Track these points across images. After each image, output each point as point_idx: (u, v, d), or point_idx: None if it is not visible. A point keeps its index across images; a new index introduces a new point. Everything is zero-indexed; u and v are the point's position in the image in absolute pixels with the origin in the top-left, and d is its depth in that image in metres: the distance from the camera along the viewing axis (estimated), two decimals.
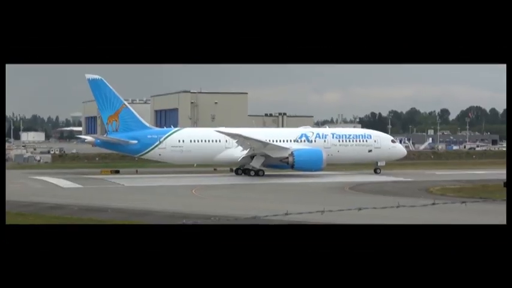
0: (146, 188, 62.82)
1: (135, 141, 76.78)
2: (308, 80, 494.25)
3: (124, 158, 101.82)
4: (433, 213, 33.40)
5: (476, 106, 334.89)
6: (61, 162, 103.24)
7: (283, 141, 78.16)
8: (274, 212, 13.82)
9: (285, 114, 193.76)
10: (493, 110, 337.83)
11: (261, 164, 75.89)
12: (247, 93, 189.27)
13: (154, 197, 54.29)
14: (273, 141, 76.89)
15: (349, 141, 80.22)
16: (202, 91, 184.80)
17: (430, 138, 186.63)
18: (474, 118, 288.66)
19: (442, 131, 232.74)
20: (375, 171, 79.80)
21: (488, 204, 40.92)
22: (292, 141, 78.57)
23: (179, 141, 78.15)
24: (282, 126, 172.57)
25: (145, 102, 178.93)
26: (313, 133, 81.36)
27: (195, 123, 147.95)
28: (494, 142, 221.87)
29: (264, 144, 74.92)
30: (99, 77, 76.10)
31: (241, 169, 78.88)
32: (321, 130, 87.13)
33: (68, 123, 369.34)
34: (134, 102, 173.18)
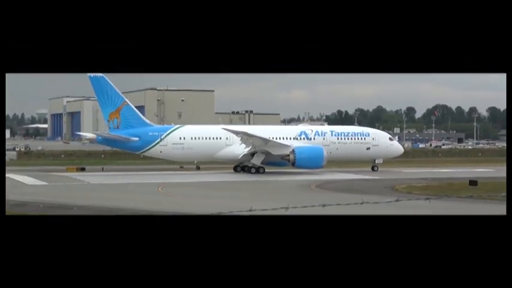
0: (112, 186, 62.40)
1: (137, 138, 76.53)
2: (275, 78, 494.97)
3: (90, 155, 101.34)
4: (397, 210, 33.57)
5: (442, 104, 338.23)
6: (26, 159, 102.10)
7: (284, 138, 78.16)
8: (239, 208, 13.77)
9: (251, 111, 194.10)
10: (458, 109, 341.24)
11: (261, 161, 75.76)
12: (214, 90, 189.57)
13: (120, 194, 53.94)
14: (273, 138, 76.87)
15: (348, 139, 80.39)
16: (168, 88, 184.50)
17: (397, 137, 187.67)
18: (440, 116, 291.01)
19: (408, 129, 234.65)
20: (373, 169, 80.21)
21: (453, 202, 41.22)
22: (292, 138, 78.68)
23: (180, 138, 77.94)
24: (249, 123, 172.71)
25: None
26: (312, 131, 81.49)
27: (161, 120, 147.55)
28: (460, 140, 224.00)
29: (266, 141, 74.85)
30: (101, 74, 75.56)
31: (241, 166, 78.57)
32: (320, 128, 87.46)
33: (33, 120, 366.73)
34: None
